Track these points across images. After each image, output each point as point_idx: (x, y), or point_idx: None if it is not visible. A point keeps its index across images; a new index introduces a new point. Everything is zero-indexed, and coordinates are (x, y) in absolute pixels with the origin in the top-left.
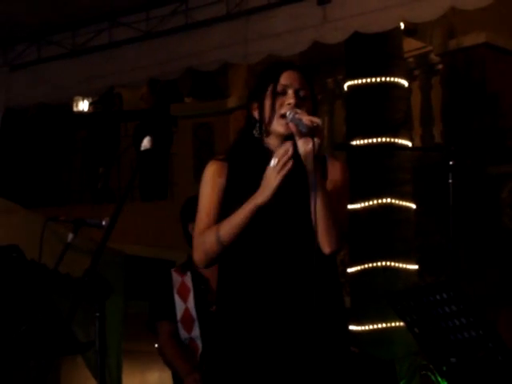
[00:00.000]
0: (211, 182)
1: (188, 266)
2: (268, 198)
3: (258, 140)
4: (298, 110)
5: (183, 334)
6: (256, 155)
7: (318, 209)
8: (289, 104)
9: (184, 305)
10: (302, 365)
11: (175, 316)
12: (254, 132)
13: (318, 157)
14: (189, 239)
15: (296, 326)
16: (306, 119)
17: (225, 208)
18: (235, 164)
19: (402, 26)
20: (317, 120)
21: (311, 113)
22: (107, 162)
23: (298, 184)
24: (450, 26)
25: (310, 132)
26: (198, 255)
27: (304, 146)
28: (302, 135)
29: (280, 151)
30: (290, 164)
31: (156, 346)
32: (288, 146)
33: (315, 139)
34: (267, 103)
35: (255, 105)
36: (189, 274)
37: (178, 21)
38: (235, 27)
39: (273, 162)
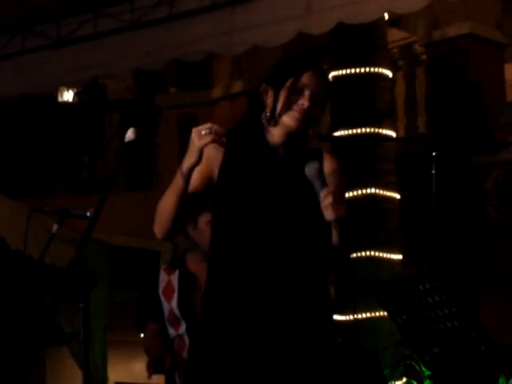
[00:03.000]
0: (204, 163)
1: (178, 262)
2: (194, 162)
3: (261, 129)
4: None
5: (172, 332)
6: (254, 147)
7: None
8: (302, 105)
9: (168, 305)
10: (287, 355)
11: (162, 315)
12: (263, 117)
13: (314, 151)
14: (185, 234)
15: (282, 317)
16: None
17: (216, 197)
18: (232, 153)
19: (386, 16)
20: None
21: (320, 118)
22: (92, 151)
23: (298, 186)
24: (434, 16)
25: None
26: (155, 226)
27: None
28: None
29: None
30: (214, 137)
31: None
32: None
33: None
34: (283, 95)
35: (270, 91)
36: (176, 272)
37: (162, 11)
38: (220, 18)
39: (202, 127)
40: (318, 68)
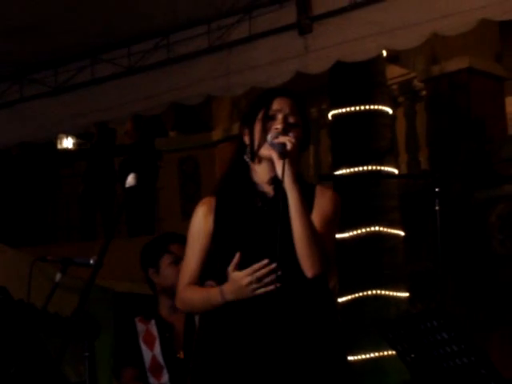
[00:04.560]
0: (198, 227)
1: (151, 313)
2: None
3: (247, 171)
4: (280, 137)
5: (153, 382)
6: (243, 192)
7: (296, 229)
8: (276, 129)
9: (151, 353)
10: None
11: (140, 362)
12: (245, 157)
13: (306, 185)
14: (151, 284)
15: (287, 353)
16: (280, 140)
17: (212, 250)
18: (222, 200)
19: (385, 53)
20: (289, 141)
21: (301, 139)
22: (109, 196)
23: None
24: (433, 51)
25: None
26: (182, 306)
27: (279, 168)
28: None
29: (255, 266)
30: (269, 288)
31: None
32: (265, 263)
33: (286, 160)
34: (257, 128)
35: (246, 130)
36: (153, 321)
37: (159, 55)
38: (217, 60)
39: (250, 278)
40: (285, 93)
